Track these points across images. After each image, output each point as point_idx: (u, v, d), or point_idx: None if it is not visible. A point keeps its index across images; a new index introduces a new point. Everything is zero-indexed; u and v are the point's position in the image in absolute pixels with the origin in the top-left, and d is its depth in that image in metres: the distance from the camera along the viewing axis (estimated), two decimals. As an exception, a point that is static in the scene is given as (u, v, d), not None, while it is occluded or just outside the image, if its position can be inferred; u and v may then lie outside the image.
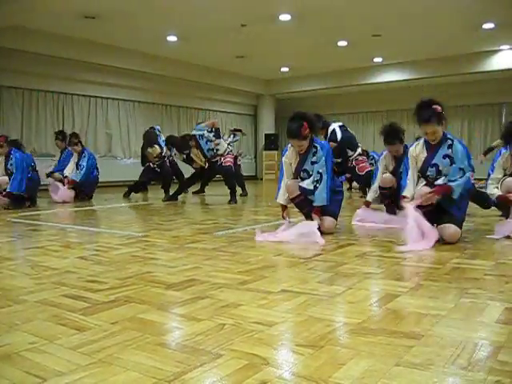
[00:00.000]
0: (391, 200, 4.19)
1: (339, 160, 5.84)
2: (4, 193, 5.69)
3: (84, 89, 10.27)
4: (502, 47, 10.08)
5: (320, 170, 3.51)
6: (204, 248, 3.02)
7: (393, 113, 13.40)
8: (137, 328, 1.53)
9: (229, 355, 1.30)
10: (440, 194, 3.07)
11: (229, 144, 7.09)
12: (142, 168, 7.71)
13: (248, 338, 1.42)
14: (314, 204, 3.50)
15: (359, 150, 6.11)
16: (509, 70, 10.39)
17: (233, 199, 6.45)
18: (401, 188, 3.42)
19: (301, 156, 3.61)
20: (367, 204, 4.28)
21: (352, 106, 14.27)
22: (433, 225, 3.20)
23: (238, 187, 6.92)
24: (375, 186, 4.30)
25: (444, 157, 3.16)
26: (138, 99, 11.45)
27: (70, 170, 7.21)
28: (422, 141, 3.31)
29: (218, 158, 6.73)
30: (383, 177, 4.20)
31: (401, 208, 3.47)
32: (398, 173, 3.96)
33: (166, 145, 7.70)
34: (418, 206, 3.11)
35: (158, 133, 7.68)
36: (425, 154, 3.24)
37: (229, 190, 6.61)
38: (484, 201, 4.37)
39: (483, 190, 4.09)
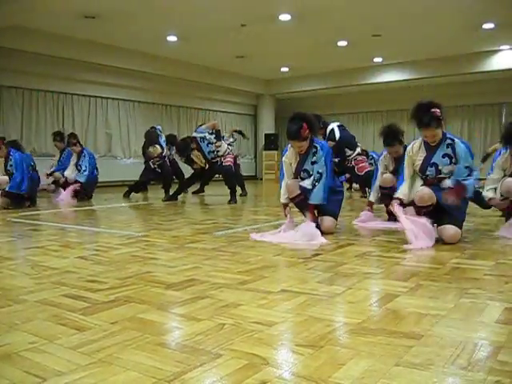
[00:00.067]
0: (391, 200, 4.18)
1: (336, 160, 5.83)
2: (2, 192, 5.68)
3: (84, 89, 10.26)
4: (501, 47, 10.08)
5: (320, 170, 3.52)
6: (204, 248, 3.02)
7: (393, 113, 13.41)
8: (137, 328, 1.53)
9: (229, 355, 1.30)
10: (460, 195, 3.07)
11: (229, 144, 7.09)
12: (143, 168, 7.72)
13: (248, 338, 1.42)
14: (310, 202, 3.51)
15: (358, 150, 6.11)
16: (509, 69, 10.39)
17: (233, 199, 6.45)
18: (395, 189, 3.43)
19: (301, 156, 3.62)
20: (370, 204, 4.29)
21: (352, 106, 14.27)
22: (433, 225, 3.21)
23: (237, 187, 6.92)
24: (376, 185, 4.30)
25: (443, 156, 3.16)
26: (138, 99, 11.44)
27: (69, 171, 7.22)
28: (419, 140, 3.31)
29: (218, 158, 6.74)
30: (383, 177, 4.20)
31: (391, 212, 3.48)
32: (398, 173, 3.96)
33: (166, 144, 7.72)
34: (418, 207, 3.12)
35: (159, 133, 7.69)
36: (424, 154, 3.24)
37: (229, 190, 6.61)
38: (484, 201, 4.37)
39: (481, 190, 4.10)
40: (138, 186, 7.76)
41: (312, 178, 3.55)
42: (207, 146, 6.62)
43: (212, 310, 1.70)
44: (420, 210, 3.14)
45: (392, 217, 4.20)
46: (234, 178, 6.81)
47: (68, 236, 3.68)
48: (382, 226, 3.93)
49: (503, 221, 3.77)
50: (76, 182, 7.05)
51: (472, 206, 4.22)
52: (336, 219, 3.66)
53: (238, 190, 7.05)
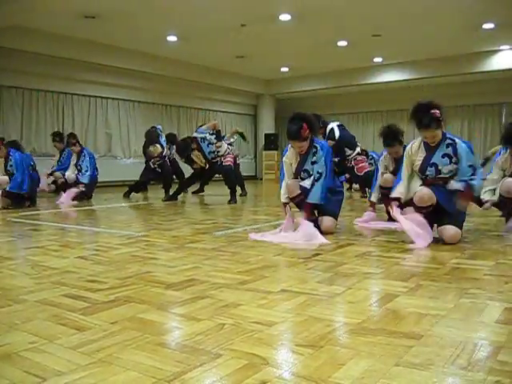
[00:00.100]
0: (391, 200, 4.18)
1: (336, 159, 5.82)
2: (2, 192, 5.68)
3: (84, 89, 10.26)
4: (502, 47, 10.08)
5: (320, 170, 3.53)
6: (204, 248, 3.02)
7: (393, 113, 13.41)
8: (136, 328, 1.53)
9: (228, 355, 1.30)
10: (471, 199, 3.19)
11: (229, 144, 7.10)
12: (143, 168, 7.73)
13: (248, 338, 1.42)
14: (307, 200, 3.51)
15: (358, 150, 6.10)
16: (509, 69, 10.39)
17: (233, 199, 6.45)
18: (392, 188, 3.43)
19: (301, 156, 3.62)
20: (372, 205, 4.29)
21: (352, 106, 14.27)
22: (433, 225, 3.21)
23: (237, 187, 6.93)
24: (377, 185, 4.30)
25: (443, 156, 3.15)
26: (138, 99, 11.44)
27: (70, 172, 7.22)
28: (419, 140, 3.30)
29: (218, 158, 6.75)
30: (384, 177, 4.20)
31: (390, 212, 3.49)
32: None
33: (166, 143, 7.73)
34: (418, 207, 3.12)
35: (159, 132, 7.70)
36: (423, 154, 3.24)
37: (229, 190, 6.61)
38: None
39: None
40: (138, 186, 7.77)
41: (312, 177, 3.56)
42: (207, 146, 6.63)
43: (212, 310, 1.70)
44: (420, 211, 3.14)
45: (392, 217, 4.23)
46: (234, 178, 6.81)
47: (68, 236, 3.68)
48: (382, 226, 3.93)
49: (503, 221, 3.78)
50: (79, 183, 7.05)
51: (472, 206, 4.22)
52: (336, 219, 3.66)
53: (238, 189, 7.05)
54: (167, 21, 8.15)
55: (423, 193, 3.10)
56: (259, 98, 14.55)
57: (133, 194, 7.62)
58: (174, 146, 7.71)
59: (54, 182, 7.81)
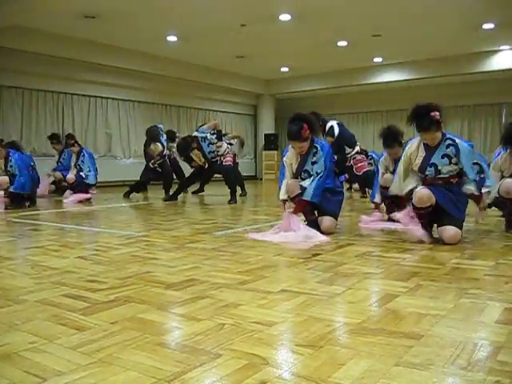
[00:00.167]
0: (391, 200, 4.19)
1: (335, 156, 5.79)
2: (5, 192, 5.69)
3: (84, 89, 10.26)
4: (502, 47, 10.08)
5: (319, 170, 3.56)
6: (204, 248, 3.02)
7: (393, 113, 13.40)
8: (136, 328, 1.53)
9: (228, 355, 1.30)
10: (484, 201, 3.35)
11: (229, 144, 7.09)
12: (144, 167, 7.73)
13: (248, 338, 1.42)
14: (302, 197, 3.52)
15: (357, 148, 6.08)
16: (509, 69, 10.38)
17: (233, 199, 6.45)
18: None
19: (301, 157, 3.63)
20: (377, 206, 4.30)
21: (352, 106, 14.27)
22: (432, 226, 3.22)
23: (237, 187, 6.92)
24: (379, 186, 4.30)
25: (442, 157, 3.15)
26: (137, 99, 11.44)
27: (70, 174, 7.23)
28: (418, 139, 3.30)
29: (217, 158, 6.75)
30: (384, 177, 4.20)
31: (400, 208, 3.51)
32: None
33: (166, 142, 7.74)
34: (418, 208, 3.12)
35: (160, 131, 7.70)
36: (423, 154, 3.24)
37: (229, 190, 6.61)
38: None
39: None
40: (139, 186, 7.77)
41: (312, 178, 3.57)
42: (208, 146, 6.64)
43: (212, 310, 1.70)
44: (419, 212, 3.14)
45: (389, 209, 4.23)
46: (234, 178, 6.82)
47: (68, 236, 3.68)
48: (382, 226, 3.93)
49: (503, 221, 3.77)
50: (85, 184, 7.09)
51: (472, 206, 4.22)
52: (336, 219, 3.66)
53: (238, 190, 7.05)
54: (167, 21, 8.15)
55: (422, 193, 3.09)
56: (259, 98, 14.54)
57: (133, 193, 7.62)
58: (175, 145, 7.71)
59: (54, 183, 7.82)
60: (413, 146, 3.31)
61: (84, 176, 7.17)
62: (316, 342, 1.38)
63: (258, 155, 14.89)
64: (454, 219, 3.09)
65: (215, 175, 7.32)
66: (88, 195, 7.00)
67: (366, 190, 6.88)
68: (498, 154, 3.76)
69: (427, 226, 3.18)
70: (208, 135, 6.61)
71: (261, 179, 14.45)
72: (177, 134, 8.58)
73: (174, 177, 8.09)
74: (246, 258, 2.68)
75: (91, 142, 10.44)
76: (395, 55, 10.85)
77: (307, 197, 3.49)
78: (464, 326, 1.53)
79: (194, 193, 8.02)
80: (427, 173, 3.22)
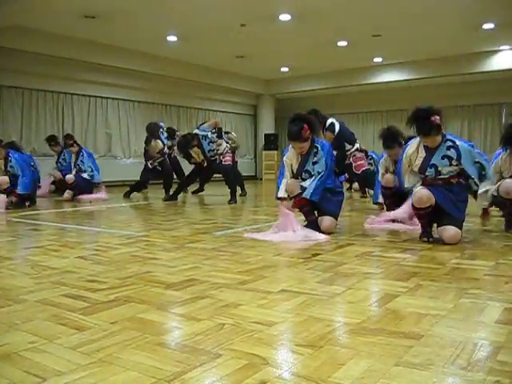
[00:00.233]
0: (392, 200, 4.19)
1: (335, 152, 5.76)
2: (13, 194, 5.70)
3: (84, 89, 10.26)
4: (502, 47, 10.08)
5: (319, 170, 3.56)
6: (204, 248, 3.02)
7: (393, 113, 13.41)
8: (136, 328, 1.53)
9: (228, 355, 1.30)
10: None
11: (228, 143, 7.09)
12: (143, 167, 7.74)
13: (248, 338, 1.42)
14: (302, 195, 3.53)
15: (357, 145, 6.07)
16: (509, 70, 10.38)
17: (233, 199, 6.45)
18: (400, 184, 3.48)
19: (302, 157, 3.63)
20: (381, 206, 4.30)
21: (352, 106, 14.26)
22: (432, 226, 3.22)
23: (237, 187, 6.93)
24: (380, 186, 4.31)
25: (442, 158, 3.16)
26: (137, 99, 11.44)
27: (70, 174, 7.23)
28: (417, 140, 3.30)
29: (217, 156, 6.76)
30: (385, 177, 4.21)
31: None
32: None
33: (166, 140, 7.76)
34: (417, 208, 3.12)
35: (161, 129, 7.71)
36: (423, 155, 3.24)
37: (229, 190, 6.61)
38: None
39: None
40: (139, 186, 7.77)
41: (313, 177, 3.57)
42: (208, 144, 6.64)
43: (212, 310, 1.70)
44: (419, 212, 3.14)
45: (390, 209, 4.24)
46: (233, 178, 6.82)
47: (68, 236, 3.68)
48: (386, 227, 3.93)
49: (503, 221, 3.77)
50: (90, 184, 7.16)
51: (472, 205, 4.22)
52: (336, 219, 3.66)
53: (238, 189, 7.05)
54: (167, 21, 8.15)
55: (422, 194, 3.09)
56: (259, 97, 14.54)
57: (133, 193, 7.62)
58: (176, 144, 7.71)
59: (54, 183, 7.82)
60: (412, 148, 3.31)
61: (89, 177, 7.18)
62: (316, 342, 1.38)
63: (258, 155, 14.89)
64: (454, 219, 3.09)
65: (215, 175, 7.33)
66: (105, 195, 7.14)
67: (366, 190, 6.88)
68: (498, 155, 3.76)
69: (427, 226, 3.19)
70: (209, 134, 6.61)
71: (261, 179, 14.45)
72: (177, 133, 8.58)
73: (175, 176, 8.09)
74: (245, 258, 2.68)
75: (91, 141, 10.44)
76: (395, 55, 10.85)
77: (307, 195, 3.50)
78: (464, 326, 1.53)
79: (193, 192, 8.02)
80: (427, 173, 3.22)
